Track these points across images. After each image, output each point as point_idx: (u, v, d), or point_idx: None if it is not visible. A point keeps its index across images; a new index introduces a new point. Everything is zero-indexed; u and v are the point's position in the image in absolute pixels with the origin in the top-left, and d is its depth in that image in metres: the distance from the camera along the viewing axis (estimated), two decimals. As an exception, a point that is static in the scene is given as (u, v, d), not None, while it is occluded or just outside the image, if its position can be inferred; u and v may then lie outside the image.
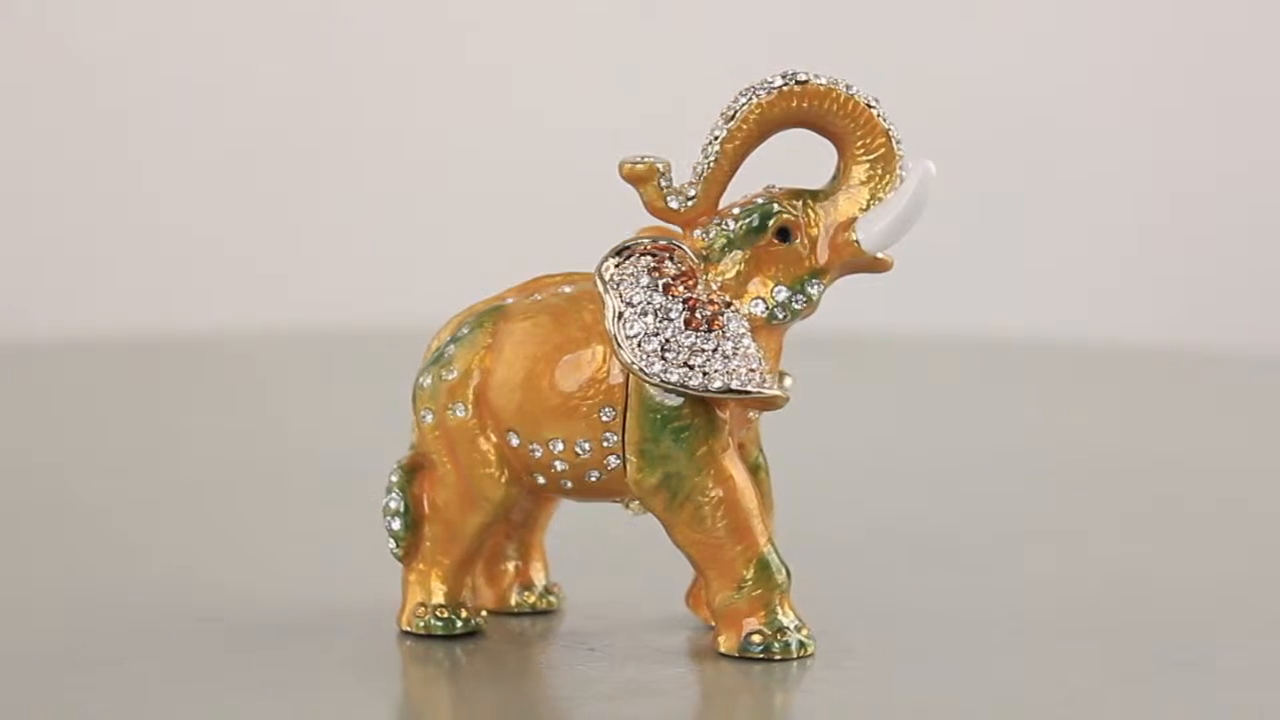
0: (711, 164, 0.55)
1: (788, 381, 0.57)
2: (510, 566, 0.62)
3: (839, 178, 0.56)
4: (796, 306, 0.55)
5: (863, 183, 0.55)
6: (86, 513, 0.80)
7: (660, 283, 0.54)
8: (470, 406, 0.58)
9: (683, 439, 0.55)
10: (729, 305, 0.55)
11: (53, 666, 0.56)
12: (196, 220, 1.53)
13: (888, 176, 0.55)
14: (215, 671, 0.55)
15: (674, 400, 0.55)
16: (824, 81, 0.54)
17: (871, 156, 0.55)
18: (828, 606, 0.61)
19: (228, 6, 1.54)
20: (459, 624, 0.59)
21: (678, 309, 0.54)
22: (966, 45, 1.56)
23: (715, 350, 0.54)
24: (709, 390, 0.54)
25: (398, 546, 0.59)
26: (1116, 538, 0.77)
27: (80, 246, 1.51)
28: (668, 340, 0.54)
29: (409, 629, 0.59)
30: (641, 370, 0.54)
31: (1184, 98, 1.56)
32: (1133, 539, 0.77)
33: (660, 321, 0.54)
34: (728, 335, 0.54)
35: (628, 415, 0.55)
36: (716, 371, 0.54)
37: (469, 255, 1.47)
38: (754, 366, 0.54)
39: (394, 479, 0.59)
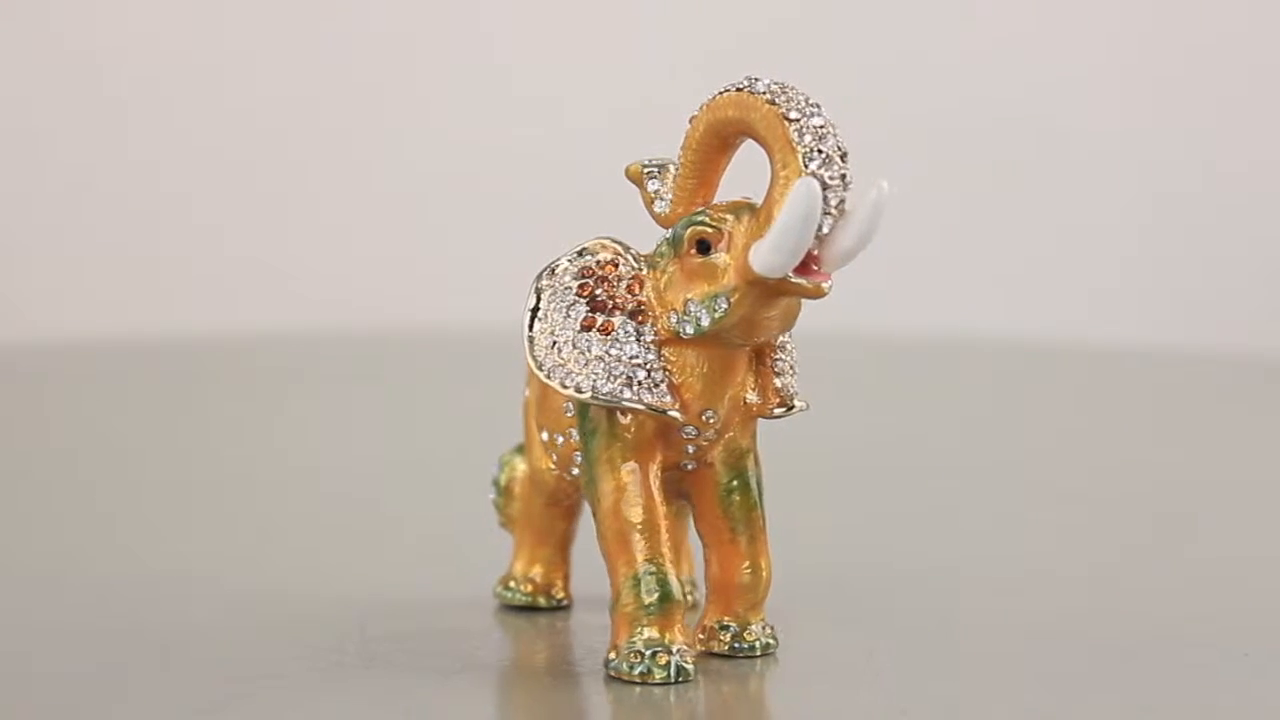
0: (677, 169, 0.55)
1: (798, 404, 0.55)
2: None
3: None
4: (704, 322, 0.53)
5: (775, 200, 0.51)
6: (89, 516, 0.80)
7: (579, 283, 0.54)
8: (530, 389, 0.60)
9: (591, 443, 0.55)
10: (639, 313, 0.54)
11: (110, 677, 0.55)
12: (196, 221, 1.53)
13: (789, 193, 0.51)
14: (245, 671, 0.55)
15: (585, 404, 0.54)
16: (761, 89, 0.52)
17: (785, 172, 0.51)
18: (812, 610, 0.61)
19: (228, 6, 1.55)
20: (519, 596, 0.62)
21: (581, 310, 0.54)
22: (964, 43, 1.56)
23: (595, 354, 0.53)
24: (580, 392, 0.53)
25: (498, 514, 0.63)
26: (1114, 540, 0.77)
27: (79, 247, 1.51)
28: (560, 340, 0.54)
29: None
30: (537, 366, 0.54)
31: (1183, 97, 1.56)
32: (1130, 542, 0.77)
33: (563, 320, 0.54)
34: (611, 341, 0.54)
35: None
36: (584, 375, 0.53)
37: (470, 255, 1.47)
38: (633, 376, 0.53)
39: (505, 453, 0.63)
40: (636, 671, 0.53)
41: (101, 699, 0.52)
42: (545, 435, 0.58)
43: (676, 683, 0.53)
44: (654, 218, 0.55)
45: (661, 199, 0.55)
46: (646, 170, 0.55)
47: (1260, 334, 1.46)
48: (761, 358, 0.55)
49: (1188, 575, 0.70)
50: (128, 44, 1.52)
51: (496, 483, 0.63)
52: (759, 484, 0.56)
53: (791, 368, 0.56)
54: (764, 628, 0.56)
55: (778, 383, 0.55)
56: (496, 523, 0.64)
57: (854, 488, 0.89)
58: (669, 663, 0.53)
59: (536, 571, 0.62)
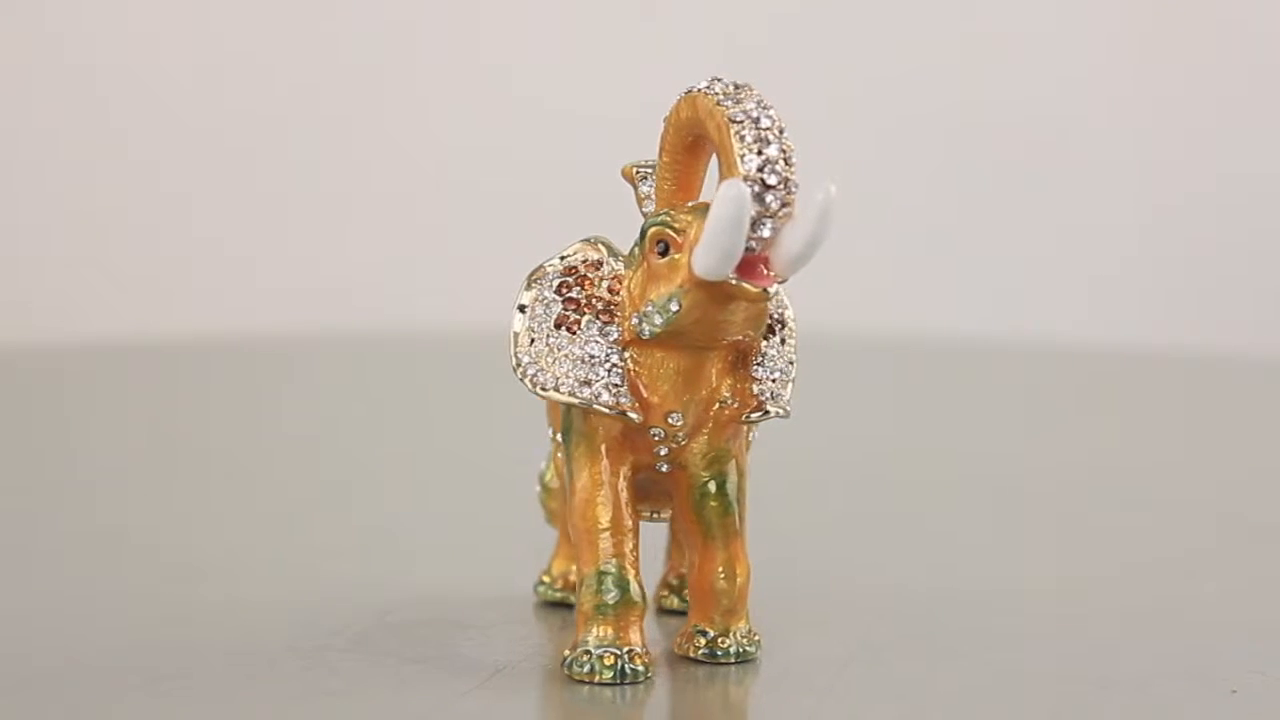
0: (656, 170, 0.55)
1: (772, 409, 0.54)
2: (674, 565, 0.63)
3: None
4: (657, 322, 0.52)
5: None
6: (94, 518, 0.80)
7: (560, 282, 0.54)
8: None
9: (567, 441, 0.55)
10: (607, 312, 0.54)
11: (133, 681, 0.54)
12: (196, 222, 1.53)
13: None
14: (263, 681, 0.55)
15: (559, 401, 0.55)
16: (716, 90, 0.51)
17: (729, 173, 0.50)
18: (796, 617, 0.61)
19: (229, 7, 1.55)
20: (551, 593, 0.62)
21: (556, 308, 0.54)
22: (964, 43, 1.56)
23: (562, 352, 0.54)
24: (544, 390, 0.53)
25: (544, 510, 0.63)
26: (1110, 553, 0.77)
27: (80, 248, 1.51)
28: (537, 337, 0.54)
29: None
30: (515, 364, 0.54)
31: (1183, 98, 1.56)
32: (1128, 556, 0.77)
33: (541, 318, 0.54)
34: (575, 340, 0.54)
35: None
36: (550, 373, 0.53)
37: (470, 255, 1.47)
38: (593, 375, 0.53)
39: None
40: (585, 670, 0.53)
41: (107, 689, 0.53)
42: (550, 432, 0.59)
43: (623, 684, 0.53)
44: (644, 218, 0.55)
45: (651, 200, 0.55)
46: (639, 172, 0.55)
47: (1260, 334, 1.46)
48: (745, 360, 0.54)
49: (1185, 594, 0.68)
50: (127, 45, 1.52)
51: (542, 478, 0.63)
52: (737, 488, 0.55)
53: (776, 374, 0.55)
54: (743, 635, 0.55)
55: (755, 387, 0.54)
56: (543, 519, 0.64)
57: (850, 491, 0.89)
58: (616, 663, 0.53)
59: (573, 569, 0.62)
